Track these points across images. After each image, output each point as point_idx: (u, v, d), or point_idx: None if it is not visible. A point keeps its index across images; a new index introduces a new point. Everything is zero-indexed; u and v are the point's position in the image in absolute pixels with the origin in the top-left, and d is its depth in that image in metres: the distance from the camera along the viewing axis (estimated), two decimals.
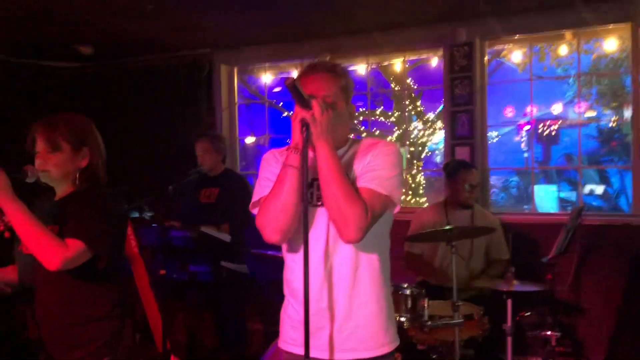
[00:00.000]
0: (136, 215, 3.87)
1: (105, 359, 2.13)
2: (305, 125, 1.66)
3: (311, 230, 1.76)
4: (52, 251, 1.92)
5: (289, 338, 1.93)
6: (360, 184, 1.76)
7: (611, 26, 4.16)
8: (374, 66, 5.39)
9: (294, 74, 5.61)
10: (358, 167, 1.80)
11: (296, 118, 1.68)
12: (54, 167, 2.09)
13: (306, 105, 1.66)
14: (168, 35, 4.68)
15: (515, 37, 4.49)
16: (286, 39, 4.88)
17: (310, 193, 1.80)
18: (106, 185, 2.21)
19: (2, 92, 4.97)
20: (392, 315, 1.92)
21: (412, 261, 3.93)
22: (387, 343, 1.88)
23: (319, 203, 1.79)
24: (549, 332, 3.45)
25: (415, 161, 8.14)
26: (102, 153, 2.22)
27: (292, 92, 1.63)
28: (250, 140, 7.52)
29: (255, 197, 1.88)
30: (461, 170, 3.84)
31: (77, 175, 2.13)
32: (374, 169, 1.77)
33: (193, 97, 5.25)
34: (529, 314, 3.55)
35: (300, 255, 1.71)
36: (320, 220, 1.80)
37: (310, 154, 1.73)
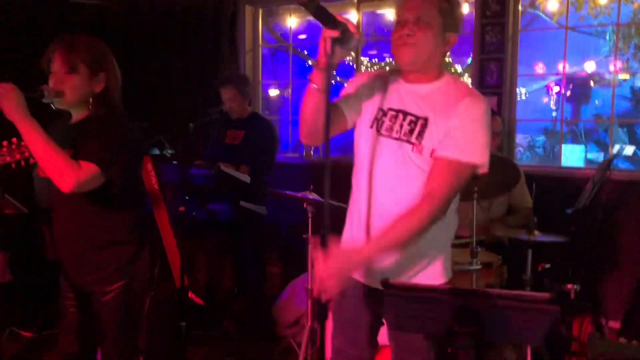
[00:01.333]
0: (156, 152, 3.87)
1: (121, 282, 2.14)
2: (332, 43, 1.58)
3: (376, 159, 1.83)
4: (65, 172, 1.90)
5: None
6: (443, 152, 1.72)
7: None
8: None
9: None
10: (441, 120, 1.74)
11: (323, 37, 1.60)
12: (69, 89, 2.05)
13: (332, 24, 1.57)
14: None
15: None
16: None
17: (377, 120, 1.84)
18: (122, 113, 2.17)
19: (25, 26, 4.93)
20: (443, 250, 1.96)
21: None
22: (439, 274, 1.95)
23: (385, 133, 1.81)
24: (568, 285, 3.39)
25: None
26: (119, 80, 2.18)
27: (313, 12, 1.54)
28: (274, 92, 7.43)
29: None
30: None
31: (92, 100, 2.09)
32: (457, 136, 1.71)
33: (217, 37, 5.15)
34: (548, 265, 3.49)
35: (359, 185, 1.88)
36: (384, 150, 1.81)
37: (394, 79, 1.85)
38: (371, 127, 1.86)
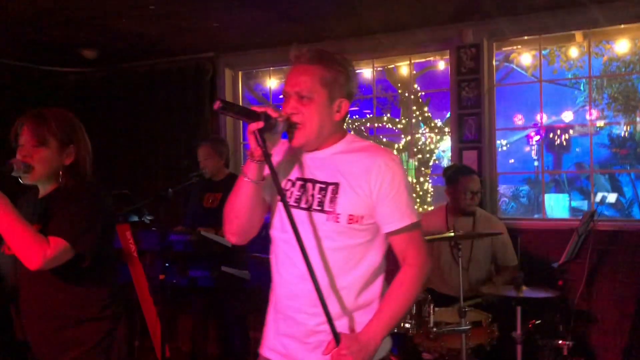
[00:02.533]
0: (135, 219, 3.80)
1: None
2: (260, 134, 1.58)
3: (285, 233, 1.72)
4: (32, 249, 1.83)
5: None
6: (396, 225, 1.68)
7: (622, 26, 4.05)
8: (379, 69, 5.31)
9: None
10: (354, 181, 1.67)
11: (250, 132, 1.60)
12: (38, 163, 2.00)
13: (253, 117, 1.58)
14: (171, 38, 4.63)
15: (524, 38, 4.39)
16: (290, 41, 4.80)
17: (288, 192, 1.76)
18: (94, 183, 2.12)
19: (7, 96, 4.93)
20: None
21: None
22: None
23: (294, 204, 1.72)
24: (560, 341, 3.32)
25: (423, 169, 8.04)
26: (89, 151, 2.14)
27: (232, 113, 1.60)
28: None
29: None
30: (461, 177, 3.71)
31: (62, 173, 2.05)
32: (399, 202, 1.67)
33: (197, 101, 5.18)
34: (539, 321, 3.41)
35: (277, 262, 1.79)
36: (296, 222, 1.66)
37: (279, 156, 1.78)
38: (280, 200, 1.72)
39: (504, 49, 4.67)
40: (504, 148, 8.96)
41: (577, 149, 9.72)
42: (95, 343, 2.05)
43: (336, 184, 1.69)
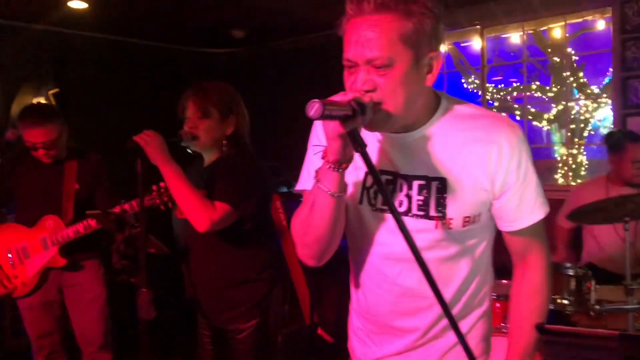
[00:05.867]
0: (285, 190, 3.96)
1: (255, 320, 2.17)
2: (356, 134, 1.12)
3: (380, 245, 1.35)
4: (201, 213, 1.99)
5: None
6: (520, 223, 1.33)
7: None
8: (528, 32, 4.98)
9: (442, 48, 5.38)
10: (465, 172, 1.27)
11: (340, 134, 1.13)
12: (203, 133, 2.15)
13: (347, 117, 1.11)
14: (314, 14, 4.71)
15: None
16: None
17: (366, 191, 1.34)
18: (253, 152, 2.24)
19: (164, 77, 5.36)
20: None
21: (568, 239, 3.57)
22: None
23: (384, 207, 1.31)
24: None
25: (576, 139, 7.47)
26: (247, 122, 2.26)
27: (332, 116, 1.11)
28: None
29: (298, 184, 1.46)
30: (628, 143, 3.35)
31: (224, 142, 2.18)
32: (525, 196, 1.30)
33: (339, 76, 5.24)
34: None
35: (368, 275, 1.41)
36: (389, 231, 1.31)
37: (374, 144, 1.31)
38: (360, 202, 1.34)
39: None
40: None
41: None
42: (254, 303, 2.18)
43: (442, 180, 1.27)
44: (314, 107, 1.05)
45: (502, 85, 7.70)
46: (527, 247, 1.38)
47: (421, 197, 1.28)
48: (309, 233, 1.32)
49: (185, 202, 2.01)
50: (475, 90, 7.34)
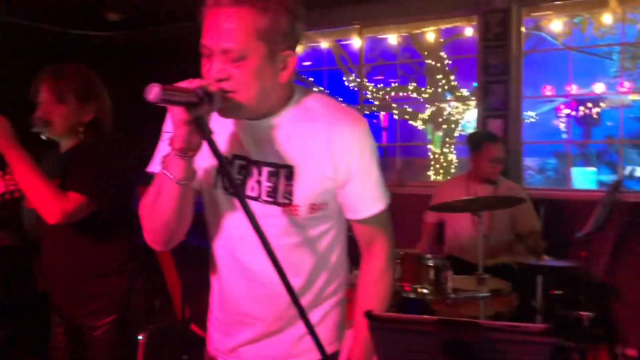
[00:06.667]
0: None
1: (113, 316, 2.07)
2: (202, 122, 1.13)
3: (235, 230, 1.36)
4: (51, 204, 1.86)
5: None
6: (364, 213, 1.37)
7: None
8: (404, 34, 5.21)
9: (323, 44, 5.49)
10: (312, 162, 1.31)
11: (186, 121, 1.13)
12: (58, 118, 2.02)
13: (192, 100, 1.12)
14: (194, 2, 4.60)
15: (555, 4, 4.25)
16: (313, 5, 4.75)
17: (225, 178, 1.34)
18: (116, 140, 2.13)
19: (32, 58, 4.98)
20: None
21: (431, 233, 3.81)
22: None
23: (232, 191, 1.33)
24: (581, 313, 3.28)
25: (447, 139, 7.95)
26: (109, 109, 2.15)
27: (172, 102, 1.11)
28: None
29: (149, 166, 1.42)
30: (485, 143, 3.64)
31: (82, 129, 2.06)
32: (368, 186, 1.36)
33: None
34: (560, 292, 3.37)
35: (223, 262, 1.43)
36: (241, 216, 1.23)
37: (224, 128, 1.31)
38: (215, 187, 1.36)
39: (533, 14, 4.53)
40: (533, 120, 8.79)
41: (608, 123, 9.48)
42: (113, 298, 2.08)
43: (290, 167, 1.30)
44: (152, 91, 1.04)
45: (382, 85, 8.01)
46: (371, 237, 1.43)
47: (270, 184, 1.32)
48: (155, 218, 1.31)
49: (32, 191, 1.87)
50: (355, 89, 7.55)
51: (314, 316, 1.40)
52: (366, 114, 9.14)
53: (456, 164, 7.82)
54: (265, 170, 1.32)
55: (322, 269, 1.42)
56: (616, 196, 3.46)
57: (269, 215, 1.31)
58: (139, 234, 2.23)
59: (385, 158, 9.25)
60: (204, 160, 1.29)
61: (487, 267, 3.05)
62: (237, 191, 1.20)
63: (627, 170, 8.59)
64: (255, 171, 1.33)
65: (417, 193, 4.40)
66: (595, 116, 9.43)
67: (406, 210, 4.42)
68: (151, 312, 3.94)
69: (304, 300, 1.36)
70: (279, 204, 1.32)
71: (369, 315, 0.93)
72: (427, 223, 3.82)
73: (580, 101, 9.13)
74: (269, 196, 1.32)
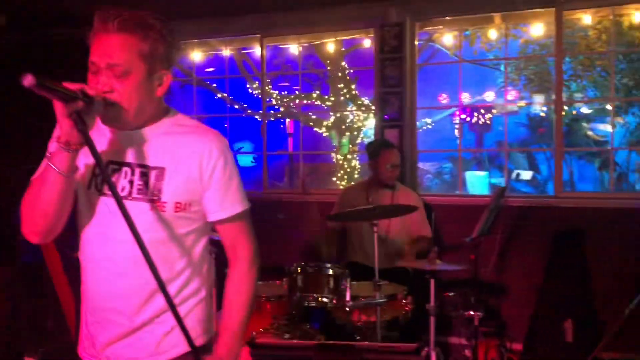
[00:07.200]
0: None
1: None
2: (79, 116, 1.30)
3: (106, 227, 1.48)
4: None
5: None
6: (225, 213, 1.55)
7: (537, 10, 4.21)
8: (305, 44, 5.28)
9: (225, 52, 5.46)
10: (180, 166, 1.50)
11: (65, 114, 1.30)
12: None
13: (68, 98, 1.28)
14: (85, 7, 4.41)
15: (446, 19, 4.49)
16: (215, 13, 4.71)
17: (95, 178, 1.50)
18: None
19: None
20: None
21: (332, 239, 3.90)
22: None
23: (109, 192, 1.46)
24: (471, 312, 3.47)
25: (351, 146, 8.13)
26: None
27: (44, 92, 1.24)
28: None
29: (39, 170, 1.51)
30: (382, 150, 3.83)
31: None
32: (230, 189, 1.55)
33: None
34: (452, 294, 3.56)
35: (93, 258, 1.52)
36: (113, 214, 1.42)
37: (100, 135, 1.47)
38: (89, 187, 1.50)
39: (426, 28, 4.75)
40: (429, 126, 9.19)
41: (499, 128, 10.09)
42: None
43: (161, 169, 1.49)
44: (27, 77, 1.18)
45: (286, 92, 8.06)
46: (234, 239, 1.61)
47: (141, 183, 1.49)
48: (36, 209, 1.43)
49: None
50: (259, 96, 7.54)
51: (179, 311, 1.46)
52: (271, 120, 9.19)
53: (359, 169, 8.01)
54: (138, 170, 1.50)
55: (186, 265, 1.55)
56: (501, 201, 3.69)
57: (139, 211, 1.46)
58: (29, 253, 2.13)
59: (291, 164, 9.32)
60: (80, 162, 1.43)
61: (385, 272, 3.16)
62: (110, 186, 1.35)
63: (514, 174, 9.21)
64: (128, 172, 1.50)
65: (321, 200, 4.48)
66: (488, 122, 10.02)
67: (311, 218, 4.50)
68: (44, 334, 3.74)
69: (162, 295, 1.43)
70: (147, 200, 1.48)
71: (251, 343, 0.94)
72: (329, 228, 3.91)
73: (474, 108, 9.66)
74: (139, 193, 1.48)
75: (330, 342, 0.87)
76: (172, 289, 1.49)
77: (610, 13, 4.41)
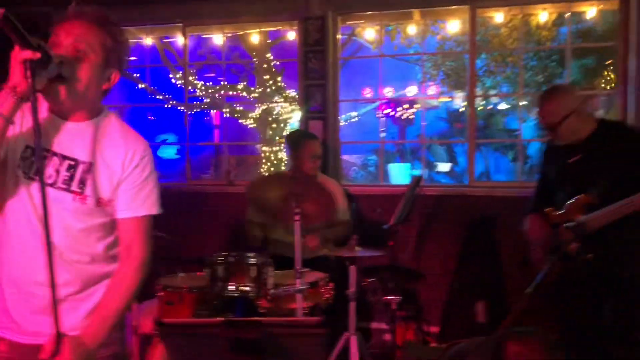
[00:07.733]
0: None
1: None
2: (32, 67, 1.34)
3: (31, 210, 1.53)
4: None
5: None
6: (132, 212, 1.62)
7: (453, 7, 4.40)
8: (229, 35, 5.26)
9: (147, 40, 5.35)
10: (105, 165, 1.58)
11: (18, 60, 1.34)
12: None
13: (29, 45, 1.32)
14: None
15: (367, 13, 4.60)
16: (136, 2, 4.60)
17: (23, 160, 1.54)
18: None
19: None
20: None
21: (254, 230, 3.90)
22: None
23: (36, 177, 1.49)
24: (389, 297, 3.61)
25: (277, 138, 8.17)
26: None
27: (8, 28, 1.29)
28: None
29: None
30: (305, 141, 3.82)
31: None
32: (142, 190, 1.62)
33: None
34: (372, 280, 3.68)
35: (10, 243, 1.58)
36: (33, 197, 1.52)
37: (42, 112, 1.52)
38: (18, 167, 1.54)
39: (348, 22, 4.85)
40: (355, 119, 9.37)
41: (423, 123, 10.43)
42: None
43: (89, 164, 1.57)
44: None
45: (211, 82, 7.98)
46: (132, 238, 1.65)
47: (68, 174, 1.56)
48: None
49: None
50: (182, 86, 7.44)
51: (98, 291, 1.62)
52: (197, 111, 9.06)
53: (286, 161, 8.07)
54: (66, 162, 1.56)
55: (99, 257, 1.63)
56: (417, 190, 3.85)
57: (61, 200, 1.54)
58: None
59: (217, 156, 9.23)
60: (19, 139, 1.51)
61: (307, 261, 3.22)
62: (39, 170, 1.41)
63: (434, 165, 9.56)
64: (56, 161, 1.55)
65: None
66: (411, 116, 10.33)
67: (236, 209, 4.50)
68: None
69: (84, 276, 1.60)
70: (71, 192, 1.55)
71: (158, 322, 0.97)
72: (255, 223, 3.89)
73: (398, 102, 9.94)
74: (64, 183, 1.55)
75: (237, 318, 0.90)
76: (81, 270, 1.59)
77: (520, 12, 4.66)
